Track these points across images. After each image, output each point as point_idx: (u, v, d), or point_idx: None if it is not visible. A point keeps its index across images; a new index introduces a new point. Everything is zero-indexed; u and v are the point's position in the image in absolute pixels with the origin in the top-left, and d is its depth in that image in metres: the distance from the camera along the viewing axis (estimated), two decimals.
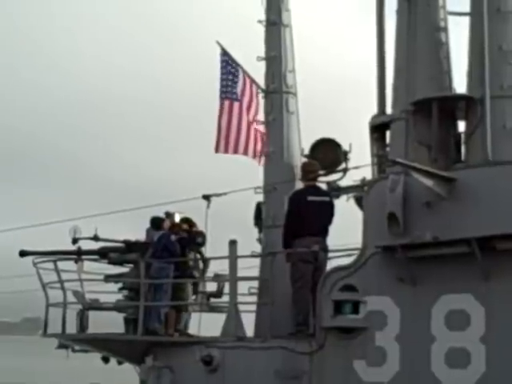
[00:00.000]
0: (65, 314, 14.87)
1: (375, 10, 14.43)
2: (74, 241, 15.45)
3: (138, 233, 15.55)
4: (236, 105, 15.21)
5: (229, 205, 15.90)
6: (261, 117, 15.55)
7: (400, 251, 11.67)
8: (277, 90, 15.29)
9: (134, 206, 16.37)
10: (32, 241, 16.99)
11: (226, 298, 14.34)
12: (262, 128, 15.40)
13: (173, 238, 14.52)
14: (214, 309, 15.32)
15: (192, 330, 14.81)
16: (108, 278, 15.14)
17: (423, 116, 12.83)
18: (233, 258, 13.35)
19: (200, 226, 15.15)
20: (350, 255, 12.75)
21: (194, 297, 15.13)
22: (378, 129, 14.13)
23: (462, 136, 13.23)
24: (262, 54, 15.48)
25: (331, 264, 13.21)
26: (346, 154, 14.59)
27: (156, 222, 14.93)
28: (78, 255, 15.41)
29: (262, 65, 15.48)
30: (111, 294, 15.28)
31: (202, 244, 15.23)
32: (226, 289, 14.17)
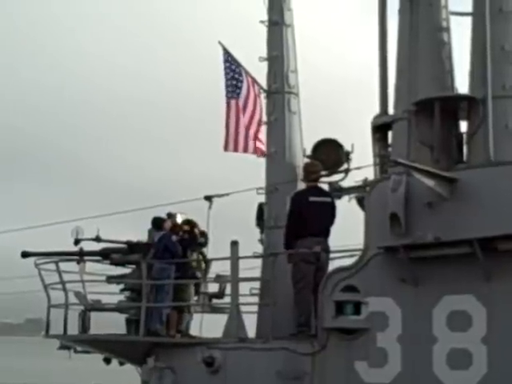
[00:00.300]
0: (66, 315, 14.86)
1: (377, 10, 14.42)
2: (76, 242, 15.45)
3: (140, 234, 15.55)
4: (242, 104, 15.23)
5: (231, 205, 15.90)
6: (263, 117, 15.56)
7: (402, 252, 11.65)
8: (279, 90, 15.26)
9: (137, 207, 16.38)
10: (34, 242, 17.01)
11: (227, 299, 14.32)
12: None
13: (174, 238, 14.51)
14: (215, 310, 15.31)
15: (194, 330, 14.80)
16: (110, 279, 15.13)
17: (425, 116, 12.81)
18: (234, 258, 13.33)
19: (202, 227, 15.15)
20: (352, 256, 12.73)
21: (195, 297, 15.12)
22: (380, 129, 14.11)
23: (464, 136, 13.21)
24: (264, 54, 15.45)
25: (333, 264, 13.19)
26: (348, 154, 14.57)
27: (157, 223, 14.93)
28: (80, 256, 15.40)
29: (264, 65, 15.45)
30: (113, 294, 15.27)
31: (205, 244, 15.22)
32: (228, 290, 14.16)
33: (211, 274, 15.35)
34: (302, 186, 14.16)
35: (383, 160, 13.92)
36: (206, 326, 14.71)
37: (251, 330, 14.08)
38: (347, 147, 14.60)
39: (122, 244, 15.44)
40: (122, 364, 15.76)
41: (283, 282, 13.21)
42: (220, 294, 15.31)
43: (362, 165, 14.21)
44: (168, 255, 14.30)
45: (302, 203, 13.26)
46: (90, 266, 15.42)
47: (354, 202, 14.38)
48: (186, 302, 14.54)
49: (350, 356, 12.12)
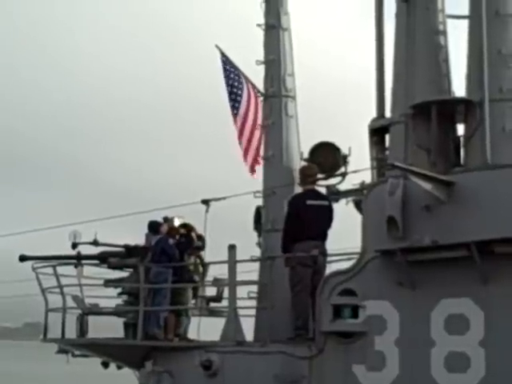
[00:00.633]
0: (64, 318, 14.84)
1: (374, 14, 14.42)
2: (74, 245, 15.42)
3: (138, 237, 15.55)
4: (242, 116, 15.36)
5: (228, 209, 15.90)
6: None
7: (399, 255, 11.64)
8: (276, 93, 15.28)
9: (135, 211, 16.38)
10: (32, 245, 16.99)
11: (225, 303, 14.31)
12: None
13: (171, 241, 14.50)
14: (213, 313, 15.30)
15: (191, 334, 14.80)
16: (108, 283, 15.12)
17: (422, 119, 12.82)
18: (232, 262, 13.33)
19: (199, 231, 15.15)
20: (349, 259, 12.73)
21: (193, 301, 15.11)
22: (378, 132, 14.11)
23: (462, 139, 13.22)
24: (261, 57, 15.47)
25: (331, 268, 13.19)
26: (345, 157, 14.58)
27: (153, 226, 14.92)
28: (78, 260, 15.38)
29: (261, 68, 15.47)
30: (111, 298, 15.26)
31: (202, 248, 15.22)
32: (226, 293, 14.15)
33: (209, 278, 15.35)
34: (299, 189, 14.15)
35: (380, 163, 13.91)
36: (204, 329, 14.70)
37: (249, 334, 14.09)
38: (344, 150, 14.61)
39: (120, 248, 15.43)
40: (119, 368, 15.74)
41: (281, 286, 13.21)
42: (218, 298, 15.30)
43: (360, 168, 14.21)
44: (165, 259, 14.30)
45: (300, 206, 13.26)
46: (88, 269, 15.42)
47: (351, 205, 14.40)
48: (183, 305, 14.54)
49: (347, 359, 12.11)
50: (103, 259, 15.39)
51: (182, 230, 14.90)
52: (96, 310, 15.11)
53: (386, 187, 11.82)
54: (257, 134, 15.52)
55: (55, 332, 15.11)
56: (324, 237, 13.30)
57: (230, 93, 15.45)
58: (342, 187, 14.60)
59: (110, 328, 15.31)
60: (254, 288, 14.13)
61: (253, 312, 14.32)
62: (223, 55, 15.60)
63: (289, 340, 12.97)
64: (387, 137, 13.88)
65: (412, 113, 12.97)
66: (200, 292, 15.27)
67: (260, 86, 15.60)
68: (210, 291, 15.44)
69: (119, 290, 15.10)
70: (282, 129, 15.15)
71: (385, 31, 14.29)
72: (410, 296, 11.74)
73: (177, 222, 15.14)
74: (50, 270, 14.77)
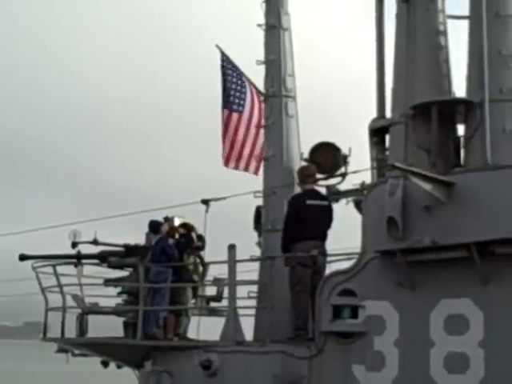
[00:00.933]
0: (64, 318, 14.83)
1: (374, 14, 14.42)
2: (74, 245, 15.42)
3: (138, 237, 15.55)
4: (247, 117, 15.38)
5: (228, 209, 15.91)
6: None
7: (399, 256, 11.64)
8: (276, 93, 15.28)
9: (134, 211, 16.39)
10: (32, 244, 16.99)
11: (225, 302, 14.31)
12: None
13: (170, 241, 14.51)
14: (213, 313, 15.30)
15: (191, 333, 14.80)
16: (107, 282, 15.12)
17: (422, 120, 12.81)
18: (232, 262, 13.33)
19: (199, 230, 15.15)
20: (349, 259, 12.73)
21: (193, 301, 15.11)
22: (378, 133, 14.11)
23: (462, 140, 13.22)
24: (262, 57, 15.47)
25: (331, 268, 13.20)
26: (345, 157, 14.58)
27: (154, 226, 14.92)
28: (78, 259, 15.38)
29: (262, 69, 15.47)
30: (111, 298, 15.26)
31: (202, 248, 15.22)
32: (226, 293, 14.15)
33: (209, 277, 15.35)
34: (299, 189, 14.16)
35: (380, 164, 13.92)
36: (204, 328, 14.71)
37: (249, 333, 14.09)
38: (345, 151, 14.60)
39: (120, 247, 15.43)
40: (119, 367, 15.73)
41: (281, 286, 13.20)
42: (218, 297, 15.30)
43: (360, 168, 14.21)
44: (165, 258, 14.29)
45: (299, 206, 13.26)
46: (88, 269, 15.42)
47: (351, 206, 14.40)
48: (183, 305, 14.54)
49: (347, 360, 12.11)
50: (103, 258, 15.39)
51: (182, 230, 14.90)
52: (96, 310, 15.10)
53: (385, 188, 11.82)
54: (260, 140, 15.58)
55: (55, 331, 15.12)
56: (324, 237, 13.30)
57: (226, 90, 15.46)
58: (342, 187, 14.60)
59: (111, 327, 15.31)
60: (254, 288, 14.13)
61: (253, 312, 14.33)
62: (223, 55, 15.60)
63: (288, 340, 12.97)
64: (387, 137, 13.88)
65: (412, 113, 12.96)
66: (200, 291, 15.27)
67: (260, 86, 15.61)
68: (210, 291, 15.46)
69: (119, 289, 15.10)
70: (282, 129, 15.16)
71: (385, 31, 14.31)
72: (410, 296, 11.74)
73: (177, 222, 15.14)
74: (49, 270, 14.77)
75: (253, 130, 15.49)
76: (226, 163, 15.31)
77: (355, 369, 12.05)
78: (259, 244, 15.15)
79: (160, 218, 15.13)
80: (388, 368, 11.80)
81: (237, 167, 15.48)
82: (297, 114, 15.43)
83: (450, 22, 13.67)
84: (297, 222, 13.11)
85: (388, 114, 13.91)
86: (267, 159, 15.18)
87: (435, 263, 11.49)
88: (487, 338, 11.16)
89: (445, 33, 13.52)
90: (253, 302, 14.09)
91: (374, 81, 14.30)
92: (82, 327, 14.86)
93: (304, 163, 14.55)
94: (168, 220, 14.99)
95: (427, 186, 11.42)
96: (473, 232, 11.10)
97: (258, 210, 15.23)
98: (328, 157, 14.52)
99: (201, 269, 15.19)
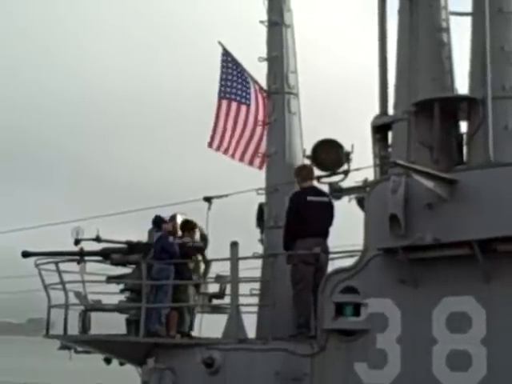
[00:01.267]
0: (67, 315, 14.86)
1: (377, 11, 14.38)
2: (76, 242, 15.42)
3: (141, 234, 15.54)
4: (234, 105, 15.40)
5: (231, 205, 15.90)
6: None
7: (401, 253, 11.62)
8: (279, 90, 15.26)
9: (137, 208, 16.39)
10: (35, 241, 17.01)
11: (227, 300, 14.30)
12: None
13: (171, 239, 14.47)
14: (215, 310, 15.29)
15: (194, 331, 14.78)
16: (110, 279, 15.13)
17: (425, 117, 12.78)
18: (234, 259, 13.32)
19: (202, 228, 15.12)
20: (352, 256, 12.72)
21: (196, 298, 15.09)
22: (380, 129, 14.07)
23: (464, 137, 13.18)
24: (264, 54, 15.45)
25: (334, 265, 13.17)
26: (348, 154, 14.53)
27: (157, 222, 14.87)
28: (81, 256, 15.38)
29: (264, 65, 15.46)
30: (114, 295, 15.26)
31: (203, 249, 15.16)
32: (228, 290, 14.14)
33: (211, 274, 15.34)
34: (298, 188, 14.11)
35: (383, 161, 13.89)
36: (207, 326, 14.71)
37: (251, 331, 14.07)
38: (347, 148, 14.56)
39: (122, 244, 15.43)
40: (122, 364, 15.75)
41: (283, 283, 13.19)
42: (220, 295, 15.29)
43: (362, 165, 14.18)
44: (166, 256, 14.28)
45: (300, 203, 13.24)
46: (91, 266, 15.41)
47: (354, 203, 14.35)
48: (185, 302, 14.52)
49: (349, 357, 12.10)
50: (106, 255, 15.39)
51: (188, 239, 14.78)
52: (98, 307, 15.11)
53: (388, 185, 11.80)
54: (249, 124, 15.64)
55: (58, 328, 15.14)
56: (325, 234, 13.28)
57: (224, 79, 15.52)
58: (345, 184, 14.55)
59: (114, 324, 15.32)
60: (257, 285, 14.12)
61: (255, 309, 14.32)
62: (225, 51, 15.62)
63: (291, 337, 12.96)
64: (390, 134, 13.85)
65: (415, 110, 12.92)
66: (202, 289, 15.27)
67: (263, 82, 15.60)
68: (213, 288, 15.44)
69: (122, 286, 15.09)
70: (284, 126, 15.14)
71: (388, 28, 14.26)
72: (412, 294, 11.72)
73: (179, 219, 15.12)
74: (52, 267, 14.79)
75: (250, 119, 15.56)
76: (209, 144, 15.46)
77: (357, 366, 12.04)
78: (262, 241, 15.14)
79: (165, 215, 15.07)
80: (390, 366, 11.79)
81: (241, 160, 15.58)
82: (299, 111, 15.40)
83: (452, 18, 13.63)
84: (298, 218, 13.09)
85: (390, 110, 13.87)
86: (270, 156, 15.17)
87: (437, 261, 11.48)
88: (489, 336, 11.15)
89: (447, 29, 13.47)
90: (255, 300, 14.08)
91: (377, 77, 14.26)
92: (85, 324, 14.88)
93: (306, 161, 14.51)
94: (173, 219, 14.94)
95: (429, 184, 11.40)
96: (475, 229, 11.08)
97: (261, 207, 15.21)
98: (330, 154, 14.47)
99: (203, 266, 15.16)
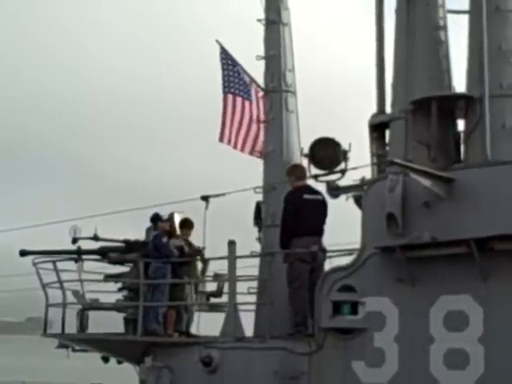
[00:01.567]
0: (64, 313, 14.85)
1: (374, 9, 14.38)
2: (74, 240, 15.40)
3: (139, 232, 15.54)
4: (239, 100, 15.46)
5: (228, 204, 15.89)
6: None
7: (399, 252, 11.63)
8: (276, 88, 15.26)
9: (134, 207, 16.37)
10: (32, 240, 16.99)
11: (225, 298, 14.31)
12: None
13: (165, 239, 14.42)
14: (213, 308, 15.29)
15: (192, 329, 14.78)
16: (107, 278, 15.12)
17: (422, 115, 12.77)
18: (232, 258, 13.32)
19: (199, 226, 15.09)
20: (350, 254, 12.72)
21: (194, 296, 15.09)
22: (378, 128, 14.07)
23: (462, 135, 13.18)
24: (262, 52, 15.45)
25: (331, 263, 13.18)
26: (345, 153, 14.51)
27: (154, 219, 14.84)
28: (78, 255, 15.37)
29: (262, 64, 15.46)
30: (111, 293, 15.26)
31: (201, 250, 15.09)
32: (226, 288, 14.15)
33: (209, 273, 15.33)
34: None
35: (381, 159, 13.88)
36: (205, 324, 14.71)
37: (249, 329, 14.08)
38: (345, 146, 14.54)
39: (120, 243, 15.42)
40: (120, 363, 15.75)
41: (281, 281, 13.19)
42: (218, 293, 15.29)
43: (360, 163, 14.17)
44: (161, 254, 14.24)
45: (296, 201, 13.25)
46: (88, 264, 15.40)
47: (351, 201, 14.35)
48: (183, 301, 14.51)
49: (347, 356, 12.11)
50: (103, 254, 15.37)
51: (187, 249, 14.74)
52: (96, 305, 15.11)
53: (385, 183, 11.80)
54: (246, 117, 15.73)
55: (56, 327, 15.13)
56: (321, 232, 13.29)
57: (226, 75, 15.57)
58: (342, 183, 14.54)
59: (111, 323, 15.31)
60: (254, 283, 14.12)
61: (253, 308, 14.33)
62: (223, 50, 15.63)
63: (288, 336, 12.97)
64: (387, 132, 13.85)
65: (412, 108, 12.91)
66: (200, 287, 15.26)
67: (260, 81, 15.60)
68: (210, 286, 15.44)
69: (119, 285, 15.09)
70: (282, 124, 15.14)
71: (385, 27, 14.25)
72: (410, 292, 11.73)
73: (177, 218, 15.10)
74: (50, 265, 14.76)
75: (246, 112, 15.63)
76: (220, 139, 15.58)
77: (355, 365, 12.04)
78: (259, 240, 15.14)
79: (163, 214, 15.02)
80: (388, 364, 11.80)
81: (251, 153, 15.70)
82: (297, 110, 15.41)
83: (449, 16, 13.61)
84: (294, 217, 13.10)
85: (388, 109, 13.86)
86: (267, 154, 15.17)
87: (435, 259, 11.49)
88: (487, 334, 11.16)
89: (445, 28, 13.46)
90: (253, 298, 14.08)
91: (374, 76, 14.25)
92: (83, 323, 14.87)
93: (304, 159, 14.50)
94: (171, 219, 14.92)
95: (427, 182, 11.40)
96: (472, 228, 11.08)
97: (258, 206, 15.22)
98: (328, 152, 14.45)
99: (200, 265, 15.14)
